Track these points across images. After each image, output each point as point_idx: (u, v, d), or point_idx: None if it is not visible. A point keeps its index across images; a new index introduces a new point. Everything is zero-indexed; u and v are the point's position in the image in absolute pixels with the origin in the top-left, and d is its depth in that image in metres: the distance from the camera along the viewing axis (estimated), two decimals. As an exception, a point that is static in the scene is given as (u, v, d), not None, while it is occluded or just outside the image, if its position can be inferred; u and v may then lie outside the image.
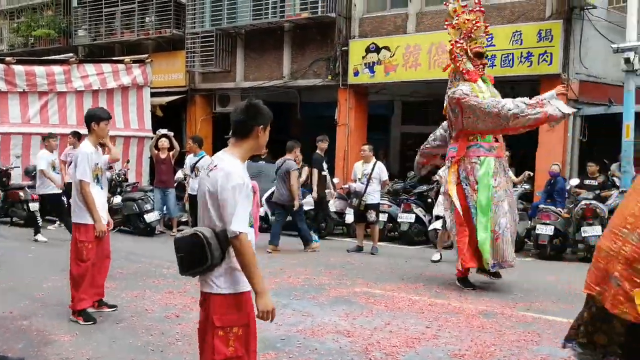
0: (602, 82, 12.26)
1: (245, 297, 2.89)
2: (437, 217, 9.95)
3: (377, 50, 13.61)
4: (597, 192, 10.55)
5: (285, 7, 14.66)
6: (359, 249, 9.87)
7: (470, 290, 7.02)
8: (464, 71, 7.24)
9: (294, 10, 14.57)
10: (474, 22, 7.32)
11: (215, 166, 2.87)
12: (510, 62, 11.92)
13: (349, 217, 11.23)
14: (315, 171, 10.52)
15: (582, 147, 12.02)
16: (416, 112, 16.75)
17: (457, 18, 7.43)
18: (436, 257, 9.08)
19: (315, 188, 10.46)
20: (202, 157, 10.60)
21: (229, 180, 2.77)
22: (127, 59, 15.21)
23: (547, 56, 11.55)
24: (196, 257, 2.81)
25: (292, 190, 9.79)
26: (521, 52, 11.79)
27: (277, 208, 10.19)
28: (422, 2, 13.37)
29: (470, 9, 7.41)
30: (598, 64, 12.08)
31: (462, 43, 7.31)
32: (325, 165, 10.75)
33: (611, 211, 10.05)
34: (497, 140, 7.27)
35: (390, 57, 13.41)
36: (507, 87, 14.61)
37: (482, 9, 7.50)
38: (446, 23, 7.68)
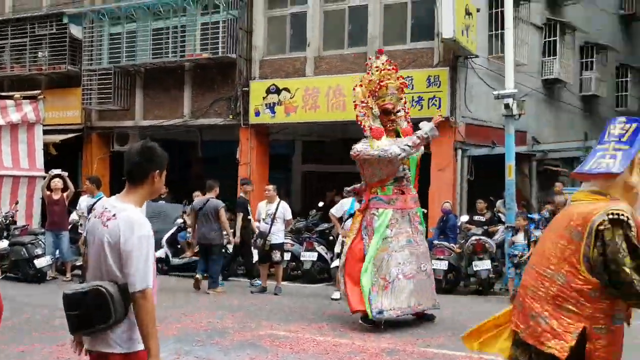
0: (486, 125, 13.23)
1: (144, 356, 2.72)
2: (339, 255, 10.17)
3: (278, 91, 13.89)
4: (485, 227, 11.27)
5: (186, 46, 14.65)
6: (263, 289, 9.86)
7: (372, 328, 7.21)
8: (369, 128, 7.65)
9: (195, 49, 14.59)
10: (377, 81, 7.68)
11: (114, 215, 2.71)
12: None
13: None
14: (240, 215, 10.40)
15: (470, 186, 12.84)
16: (317, 151, 17.15)
17: (363, 80, 7.91)
18: (336, 295, 9.22)
19: (237, 232, 10.33)
20: (100, 198, 10.20)
21: (133, 231, 2.64)
22: (17, 94, 14.44)
23: (436, 101, 12.33)
24: (97, 314, 2.64)
25: (225, 227, 9.81)
26: (412, 97, 12.45)
27: (202, 248, 9.98)
28: (320, 47, 13.87)
29: (377, 68, 7.77)
30: (482, 109, 13.04)
31: (366, 102, 7.70)
32: (249, 209, 10.67)
33: (499, 245, 10.79)
34: (402, 193, 7.57)
35: (291, 98, 13.72)
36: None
37: (391, 67, 7.79)
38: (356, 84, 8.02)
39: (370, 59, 8.10)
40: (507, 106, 10.85)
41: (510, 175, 10.95)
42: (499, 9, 12.82)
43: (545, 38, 15.86)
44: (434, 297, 7.63)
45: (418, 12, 12.98)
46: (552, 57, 15.81)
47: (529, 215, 11.03)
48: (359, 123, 7.82)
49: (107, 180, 15.73)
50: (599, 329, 2.60)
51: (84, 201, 10.33)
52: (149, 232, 2.69)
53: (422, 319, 7.70)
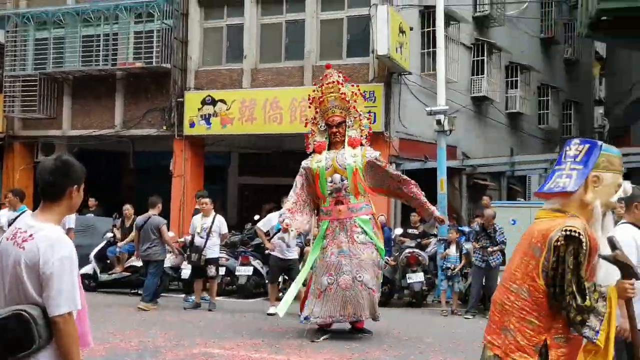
0: (419, 140, 13.58)
1: None
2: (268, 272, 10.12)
3: (213, 102, 13.75)
4: (419, 240, 11.52)
5: (118, 54, 14.27)
6: (197, 305, 9.65)
7: (309, 343, 7.19)
8: (312, 144, 7.95)
9: (127, 58, 14.23)
10: (319, 98, 7.89)
11: (31, 236, 2.51)
12: (340, 119, 12.73)
13: (186, 272, 10.97)
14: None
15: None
16: (253, 163, 17.06)
17: (311, 98, 8.07)
18: (272, 310, 9.15)
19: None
20: (23, 211, 9.70)
21: (54, 252, 2.47)
22: None
23: (371, 115, 12.53)
24: (19, 341, 2.45)
25: (169, 244, 9.79)
26: (349, 111, 12.65)
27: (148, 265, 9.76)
28: (256, 59, 13.84)
29: (321, 84, 7.98)
30: (415, 124, 13.38)
31: (314, 120, 7.97)
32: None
33: (431, 258, 11.05)
34: (340, 203, 7.62)
35: (227, 110, 13.61)
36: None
37: (331, 80, 7.87)
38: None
39: (325, 77, 8.10)
40: (438, 122, 11.19)
41: (442, 189, 11.28)
42: (431, 28, 13.23)
43: (473, 57, 16.49)
44: (373, 308, 7.48)
45: (354, 28, 13.21)
46: (480, 76, 16.45)
47: (459, 228, 11.36)
48: (306, 141, 8.10)
49: (30, 192, 15.00)
50: (558, 338, 2.74)
51: (4, 215, 9.75)
52: (71, 251, 2.53)
53: (359, 332, 7.70)
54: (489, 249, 9.44)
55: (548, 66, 22.05)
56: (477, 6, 16.77)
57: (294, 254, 9.60)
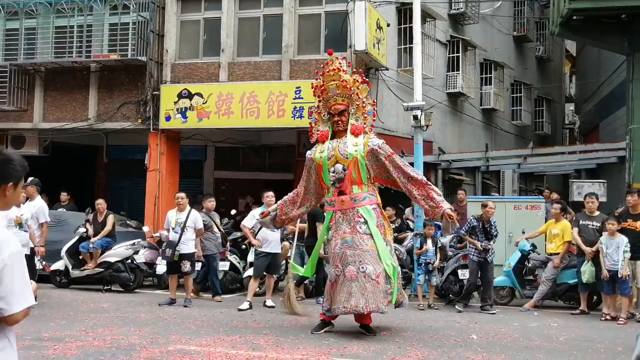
0: (396, 135, 13.66)
1: None
2: (251, 264, 10.10)
3: (190, 96, 13.62)
4: (395, 234, 11.59)
5: (92, 47, 14.03)
6: (172, 301, 9.57)
7: (287, 340, 7.19)
8: (315, 133, 7.81)
9: (102, 50, 14.01)
10: (320, 86, 7.69)
11: None
12: (317, 114, 12.73)
13: (161, 268, 10.88)
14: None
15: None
16: (230, 157, 16.96)
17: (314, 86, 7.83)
18: (244, 305, 9.13)
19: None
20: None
21: (3, 247, 2.35)
22: None
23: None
24: None
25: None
26: (327, 106, 12.66)
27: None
28: (234, 52, 13.75)
29: (321, 72, 7.76)
30: (392, 119, 13.46)
31: (318, 108, 7.82)
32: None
33: (408, 252, 11.14)
34: (343, 194, 7.43)
35: (203, 103, 13.49)
36: (314, 137, 15.60)
37: (332, 68, 7.62)
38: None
39: (327, 64, 7.80)
40: (415, 117, 11.25)
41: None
42: (408, 25, 13.31)
43: (449, 54, 16.64)
44: (378, 301, 7.16)
45: (331, 23, 13.20)
46: (455, 72, 16.62)
47: (435, 223, 11.48)
48: (310, 131, 7.96)
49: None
50: None
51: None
52: (18, 247, 2.42)
53: (364, 329, 7.55)
54: (488, 246, 9.59)
55: (521, 63, 22.40)
56: (453, 4, 16.94)
57: (278, 248, 9.61)
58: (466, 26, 17.69)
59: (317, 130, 7.78)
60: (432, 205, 7.37)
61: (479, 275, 9.74)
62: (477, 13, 17.74)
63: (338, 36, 12.95)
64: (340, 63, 7.65)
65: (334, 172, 7.43)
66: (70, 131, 14.70)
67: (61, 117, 14.77)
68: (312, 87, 7.99)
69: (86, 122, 14.57)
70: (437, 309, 9.77)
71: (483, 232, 9.64)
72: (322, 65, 7.96)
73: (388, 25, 13.03)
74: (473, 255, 9.66)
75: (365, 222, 7.32)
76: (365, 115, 7.72)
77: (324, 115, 7.75)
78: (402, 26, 13.94)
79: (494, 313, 9.36)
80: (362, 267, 7.18)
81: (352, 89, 7.61)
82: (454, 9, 16.95)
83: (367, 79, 8.30)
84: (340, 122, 7.58)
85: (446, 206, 7.35)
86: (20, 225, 8.26)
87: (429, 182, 7.66)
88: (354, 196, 7.43)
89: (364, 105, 7.72)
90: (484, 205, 9.86)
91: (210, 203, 10.64)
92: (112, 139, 15.79)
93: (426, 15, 14.64)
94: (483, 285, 9.82)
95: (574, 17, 14.01)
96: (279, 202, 8.21)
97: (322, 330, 7.54)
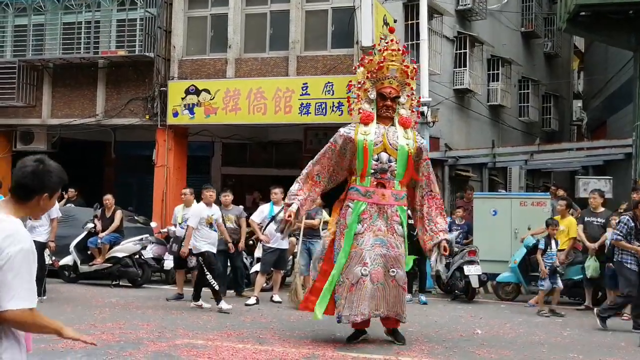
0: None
1: None
2: (258, 260, 10.16)
3: (197, 92, 13.67)
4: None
5: (100, 43, 14.11)
6: (180, 296, 9.64)
7: (293, 334, 7.24)
8: (358, 111, 6.95)
9: (110, 46, 14.09)
10: (378, 62, 6.89)
11: None
12: (324, 110, 12.75)
13: (168, 263, 10.96)
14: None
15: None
16: (237, 154, 17.02)
17: (365, 60, 7.09)
18: (252, 301, 9.17)
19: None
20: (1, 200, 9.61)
21: (12, 242, 2.34)
22: None
23: (347, 100, 12.61)
24: None
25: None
26: (333, 102, 12.68)
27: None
28: (241, 48, 13.79)
29: (380, 48, 7.05)
30: (399, 116, 13.45)
31: (362, 84, 6.97)
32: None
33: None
34: (382, 187, 6.70)
35: (211, 99, 13.54)
36: (321, 133, 15.63)
37: (396, 48, 6.94)
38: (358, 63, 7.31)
39: (382, 38, 7.17)
40: (422, 113, 11.29)
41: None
42: (415, 21, 13.30)
43: (456, 50, 16.61)
44: (400, 308, 6.65)
45: (338, 19, 13.21)
46: (462, 68, 16.59)
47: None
48: (348, 106, 7.21)
49: (8, 182, 14.84)
50: None
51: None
52: (31, 245, 2.42)
53: (392, 335, 6.88)
54: None
55: (529, 59, 22.31)
56: (460, 0, 16.89)
57: (286, 244, 9.64)
58: (473, 22, 17.64)
59: (360, 109, 6.91)
60: (433, 230, 6.83)
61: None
62: (485, 9, 17.68)
63: (345, 32, 12.96)
64: (404, 45, 7.24)
65: (377, 160, 6.66)
66: (78, 127, 14.79)
67: (69, 113, 14.87)
68: (361, 59, 7.25)
69: (94, 118, 14.66)
70: (563, 315, 9.00)
71: (636, 234, 7.94)
72: (379, 40, 7.26)
73: (395, 21, 13.02)
74: (630, 262, 7.81)
75: (401, 224, 6.72)
76: (413, 110, 7.13)
77: (370, 94, 6.91)
78: (409, 22, 13.93)
79: None
80: (393, 271, 6.56)
81: (410, 75, 6.99)
82: (461, 5, 16.90)
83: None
84: (390, 108, 6.83)
85: (444, 237, 6.86)
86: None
87: (443, 206, 7.16)
88: (396, 193, 6.73)
89: (413, 98, 7.16)
90: None
91: (225, 198, 10.08)
92: (120, 135, 15.87)
93: (433, 11, 14.63)
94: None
95: (581, 13, 13.98)
96: (298, 200, 6.86)
97: (359, 339, 6.82)
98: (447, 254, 6.97)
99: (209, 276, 8.58)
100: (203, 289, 8.90)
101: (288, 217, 6.80)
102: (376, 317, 6.72)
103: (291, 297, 8.92)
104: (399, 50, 6.91)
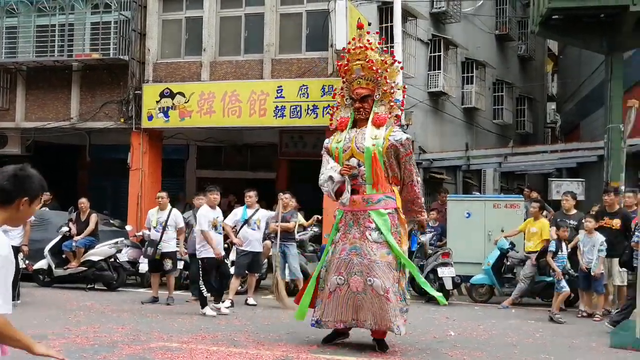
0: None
1: None
2: (233, 263, 10.16)
3: (172, 95, 13.64)
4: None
5: (74, 46, 14.00)
6: (154, 299, 9.62)
7: (267, 336, 7.27)
8: (335, 121, 6.86)
9: (84, 49, 13.99)
10: (344, 66, 6.73)
11: None
12: (298, 113, 12.81)
13: (143, 267, 10.92)
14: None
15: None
16: (212, 156, 16.99)
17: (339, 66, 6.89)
18: (226, 304, 9.16)
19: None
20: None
21: None
22: None
23: (331, 110, 12.67)
24: None
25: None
26: (308, 105, 12.75)
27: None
28: (215, 52, 13.80)
29: (348, 50, 6.80)
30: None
31: (342, 90, 6.86)
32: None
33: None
34: (355, 192, 6.51)
35: (185, 102, 13.52)
36: (296, 136, 15.70)
37: (360, 45, 6.63)
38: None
39: (354, 39, 6.81)
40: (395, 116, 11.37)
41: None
42: (389, 24, 13.44)
43: (430, 53, 16.81)
44: (389, 320, 6.30)
45: (313, 22, 13.29)
46: (437, 71, 16.79)
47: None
48: (331, 115, 7.07)
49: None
50: None
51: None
52: (7, 252, 2.42)
53: (377, 343, 6.65)
54: None
55: (503, 62, 22.63)
56: (434, 3, 17.09)
57: (259, 247, 9.66)
58: (448, 25, 17.87)
59: (338, 117, 6.82)
60: (414, 211, 6.81)
61: None
62: (459, 12, 17.92)
63: (319, 35, 13.04)
64: (369, 40, 6.60)
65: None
66: (52, 130, 14.65)
67: (43, 117, 14.72)
68: (337, 66, 6.99)
69: (68, 121, 14.54)
70: (563, 322, 8.65)
71: None
72: (348, 42, 6.90)
73: (369, 24, 13.14)
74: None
75: (377, 229, 6.37)
76: (392, 103, 6.66)
77: (346, 100, 6.77)
78: (383, 25, 14.07)
79: None
80: (370, 280, 6.28)
81: (380, 71, 6.55)
82: (436, 8, 17.11)
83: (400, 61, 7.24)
84: (362, 109, 6.57)
85: (417, 218, 6.92)
86: None
87: (421, 194, 6.99)
88: (367, 197, 6.45)
89: (392, 91, 6.69)
90: None
91: (199, 200, 10.12)
92: (94, 138, 15.76)
93: (407, 14, 14.79)
94: None
95: (554, 17, 14.25)
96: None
97: (336, 340, 6.76)
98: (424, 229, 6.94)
99: (201, 282, 8.60)
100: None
101: (346, 168, 6.47)
102: (366, 328, 6.59)
103: (275, 296, 8.85)
104: (362, 47, 6.59)
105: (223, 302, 9.09)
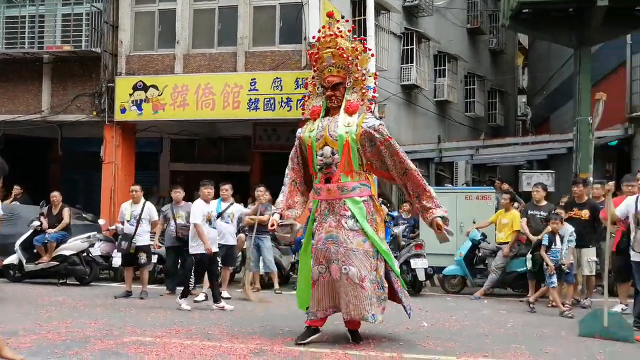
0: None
1: None
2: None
3: (145, 88, 13.54)
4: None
5: (45, 37, 13.78)
6: (128, 294, 9.59)
7: (241, 330, 7.30)
8: (308, 110, 6.77)
9: (55, 41, 13.78)
10: (314, 54, 6.67)
11: None
12: (272, 106, 12.84)
13: (116, 261, 10.86)
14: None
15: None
16: (185, 149, 16.91)
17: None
18: (200, 297, 9.15)
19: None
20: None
21: None
22: None
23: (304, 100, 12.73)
24: None
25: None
26: (281, 97, 12.78)
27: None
28: (189, 44, 13.72)
29: (318, 38, 6.67)
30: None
31: (313, 79, 6.76)
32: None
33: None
34: (329, 181, 6.45)
35: (159, 95, 13.44)
36: (270, 128, 15.71)
37: (330, 33, 6.51)
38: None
39: (323, 27, 6.70)
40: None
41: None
42: (362, 17, 13.52)
43: (403, 46, 16.94)
44: (362, 308, 6.28)
45: (286, 15, 13.30)
46: (410, 64, 16.93)
47: (389, 213, 11.75)
48: (303, 105, 7.07)
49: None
50: None
51: None
52: None
53: (351, 334, 6.69)
54: None
55: (474, 56, 22.90)
56: (407, -4, 17.21)
57: (233, 240, 9.67)
58: (420, 18, 18.00)
59: (310, 106, 6.74)
60: (425, 207, 6.52)
61: None
62: (431, 5, 18.07)
63: (293, 28, 13.07)
64: (339, 28, 6.52)
65: (321, 155, 6.42)
66: (23, 123, 14.42)
67: (14, 109, 14.47)
68: (307, 55, 7.02)
69: (40, 114, 14.33)
70: (571, 316, 8.49)
71: None
72: (318, 30, 6.86)
73: (342, 17, 13.16)
74: None
75: (353, 217, 6.35)
76: (364, 90, 6.56)
77: (318, 89, 6.70)
78: (357, 18, 14.13)
79: None
80: (345, 268, 6.28)
81: (350, 58, 6.48)
82: (408, 2, 17.23)
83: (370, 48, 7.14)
84: (333, 97, 6.50)
85: (438, 213, 6.46)
86: None
87: (425, 181, 6.67)
88: (342, 185, 6.39)
89: (364, 78, 6.58)
90: None
91: (176, 194, 10.01)
92: (66, 131, 15.55)
93: (380, 8, 14.87)
94: None
95: (524, 10, 14.48)
96: (277, 209, 6.77)
97: (308, 339, 6.52)
98: (441, 231, 6.52)
99: (192, 276, 8.76)
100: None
101: (271, 226, 6.69)
102: (348, 319, 6.52)
103: (243, 290, 8.95)
104: (331, 34, 6.50)
105: (196, 295, 9.11)
